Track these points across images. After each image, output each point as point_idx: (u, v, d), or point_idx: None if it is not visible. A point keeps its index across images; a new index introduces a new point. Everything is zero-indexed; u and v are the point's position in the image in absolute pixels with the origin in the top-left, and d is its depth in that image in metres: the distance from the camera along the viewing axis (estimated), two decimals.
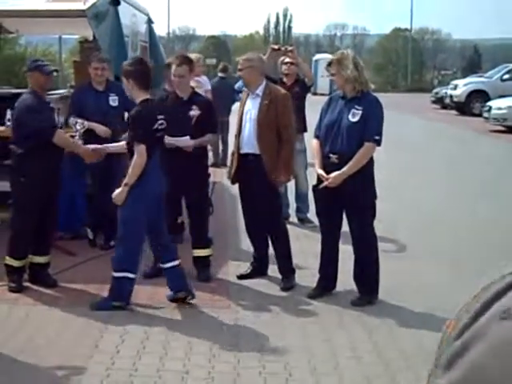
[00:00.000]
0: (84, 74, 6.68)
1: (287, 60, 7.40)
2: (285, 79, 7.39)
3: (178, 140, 5.70)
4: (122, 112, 6.76)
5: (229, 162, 6.25)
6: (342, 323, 4.98)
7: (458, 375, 0.49)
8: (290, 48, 7.24)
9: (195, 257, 5.95)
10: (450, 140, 16.93)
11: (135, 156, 5.04)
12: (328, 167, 5.20)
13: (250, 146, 5.67)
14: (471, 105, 24.85)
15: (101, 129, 6.51)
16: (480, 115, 21.43)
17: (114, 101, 6.67)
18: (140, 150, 5.03)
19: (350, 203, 5.20)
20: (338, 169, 5.13)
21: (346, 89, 5.22)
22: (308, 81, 7.51)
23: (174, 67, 5.79)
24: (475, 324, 0.50)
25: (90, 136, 6.50)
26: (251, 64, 5.68)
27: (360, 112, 5.11)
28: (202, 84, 6.98)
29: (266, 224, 5.80)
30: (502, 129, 19.33)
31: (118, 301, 5.13)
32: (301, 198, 7.93)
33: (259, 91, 5.70)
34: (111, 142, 6.45)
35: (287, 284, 5.70)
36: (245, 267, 6.04)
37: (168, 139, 5.66)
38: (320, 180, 5.30)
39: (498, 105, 19.71)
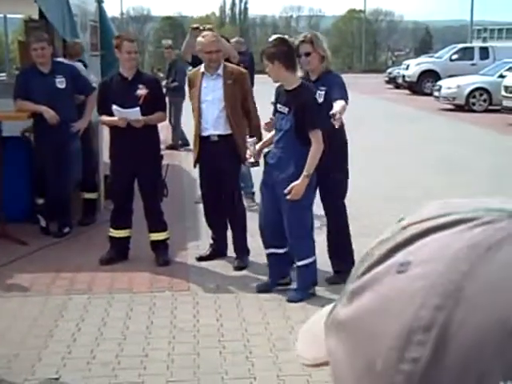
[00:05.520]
0: (30, 54, 6.38)
1: None
2: None
3: (128, 112, 5.54)
4: (72, 94, 6.56)
5: (192, 146, 6.19)
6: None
7: (345, 316, 0.49)
8: (208, 26, 7.32)
9: (152, 241, 5.85)
10: (403, 119, 17.09)
11: (316, 143, 4.73)
12: None
13: (218, 126, 5.57)
14: (422, 84, 25.23)
15: (50, 114, 6.27)
16: (431, 94, 21.76)
17: (60, 83, 6.38)
18: (319, 137, 4.75)
19: (324, 179, 5.14)
20: None
21: (318, 68, 5.14)
22: (232, 58, 7.55)
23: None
24: (374, 270, 0.49)
25: (38, 120, 6.32)
26: (221, 45, 5.63)
27: (323, 93, 5.07)
28: None
29: (227, 204, 5.73)
30: (452, 107, 19.64)
31: (305, 288, 4.98)
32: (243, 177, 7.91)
33: (220, 71, 5.61)
34: (61, 128, 6.27)
35: (240, 263, 5.67)
36: (204, 249, 5.98)
37: (118, 110, 5.51)
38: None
39: (447, 84, 20.09)
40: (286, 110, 4.84)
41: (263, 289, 5.12)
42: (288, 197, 4.75)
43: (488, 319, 0.43)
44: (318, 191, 5.27)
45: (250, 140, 5.20)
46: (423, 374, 0.44)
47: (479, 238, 0.46)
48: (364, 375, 0.46)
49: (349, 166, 5.35)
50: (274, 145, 5.00)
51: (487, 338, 0.43)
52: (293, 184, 4.74)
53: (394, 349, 0.45)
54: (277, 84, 5.07)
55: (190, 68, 7.81)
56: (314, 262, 5.00)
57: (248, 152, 5.16)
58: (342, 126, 5.22)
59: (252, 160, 5.16)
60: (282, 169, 4.85)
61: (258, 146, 5.15)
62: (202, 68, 5.73)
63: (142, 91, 5.59)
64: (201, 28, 7.00)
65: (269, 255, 5.15)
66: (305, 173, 4.75)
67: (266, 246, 5.14)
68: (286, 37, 5.48)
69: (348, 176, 5.32)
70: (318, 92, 5.08)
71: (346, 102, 5.07)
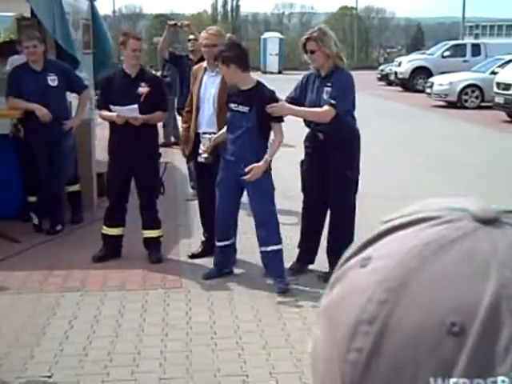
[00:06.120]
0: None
1: (191, 37, 7.58)
2: (191, 56, 7.49)
3: (125, 109, 5.52)
4: (64, 92, 6.56)
5: (182, 136, 6.15)
6: (293, 296, 5.00)
7: (323, 305, 0.51)
8: (186, 23, 7.37)
9: (146, 238, 5.85)
10: (395, 115, 17.11)
11: (277, 135, 5.05)
12: (315, 143, 5.26)
13: (211, 124, 5.57)
14: (415, 81, 25.25)
15: (42, 112, 6.27)
16: (423, 91, 21.80)
17: (52, 80, 6.39)
18: (281, 129, 5.07)
19: (333, 177, 5.21)
20: (325, 146, 5.18)
21: (324, 66, 5.16)
22: None
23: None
24: (347, 263, 0.51)
25: (31, 118, 6.31)
26: (223, 40, 5.61)
27: (330, 89, 5.11)
28: None
29: None
30: (444, 104, 19.67)
31: (283, 274, 5.14)
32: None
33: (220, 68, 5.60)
34: (54, 126, 6.27)
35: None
36: (196, 247, 5.98)
37: (115, 108, 5.51)
38: (306, 158, 5.36)
39: (439, 81, 20.10)
40: (245, 109, 5.02)
41: (209, 277, 5.35)
42: (246, 177, 4.93)
43: (426, 317, 0.44)
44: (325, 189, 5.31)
45: (205, 136, 5.27)
46: (366, 364, 0.45)
47: (436, 236, 0.47)
48: (329, 363, 0.48)
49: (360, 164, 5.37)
50: (231, 142, 5.11)
51: (423, 336, 0.44)
52: (253, 165, 4.94)
53: (345, 339, 0.47)
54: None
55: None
56: (282, 249, 5.20)
57: (201, 147, 5.25)
58: (349, 121, 5.26)
59: (206, 155, 5.23)
60: (245, 163, 5.02)
61: (212, 141, 5.23)
62: (205, 63, 5.72)
63: (143, 89, 5.60)
64: (178, 24, 7.01)
65: (220, 247, 5.33)
66: (267, 156, 4.98)
67: (220, 239, 5.31)
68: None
69: (359, 174, 5.34)
70: (326, 89, 5.11)
71: (334, 107, 5.06)
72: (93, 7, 8.01)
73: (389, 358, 0.44)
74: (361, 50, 59.58)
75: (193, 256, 5.86)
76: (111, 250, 5.82)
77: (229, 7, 67.59)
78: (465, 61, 24.00)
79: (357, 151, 5.33)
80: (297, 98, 5.32)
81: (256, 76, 7.95)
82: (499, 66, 18.55)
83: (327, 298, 0.51)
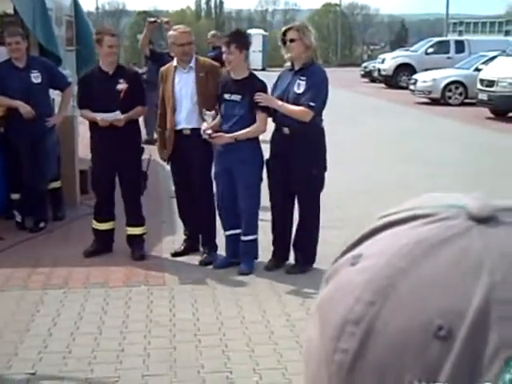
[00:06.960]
0: None
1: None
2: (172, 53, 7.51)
3: (109, 115, 5.52)
4: (47, 89, 6.54)
5: (159, 141, 6.11)
6: (276, 293, 5.03)
7: (317, 302, 0.50)
8: (165, 20, 7.39)
9: (129, 235, 5.85)
10: (378, 112, 17.15)
11: (259, 123, 5.23)
12: (280, 139, 5.29)
13: (191, 120, 5.57)
14: (398, 78, 25.34)
15: (26, 109, 6.24)
16: (407, 88, 21.91)
17: (36, 78, 6.36)
18: (264, 119, 5.26)
19: (298, 174, 5.23)
20: (290, 141, 5.20)
21: (301, 57, 5.20)
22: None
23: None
24: (340, 260, 0.49)
25: (14, 115, 6.28)
26: (193, 38, 5.71)
27: (304, 82, 5.16)
28: None
29: (200, 198, 5.73)
30: (427, 101, 19.78)
31: (252, 262, 5.46)
32: None
33: (192, 64, 5.63)
34: (37, 123, 6.24)
35: (207, 258, 5.66)
36: (179, 244, 5.99)
37: (98, 115, 5.50)
38: (272, 154, 5.40)
39: (423, 78, 20.20)
40: (238, 97, 5.27)
41: (220, 265, 5.52)
42: (209, 138, 5.19)
43: (412, 320, 0.43)
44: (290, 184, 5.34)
45: (208, 112, 5.39)
46: (351, 366, 0.44)
47: (427, 235, 0.45)
48: (319, 363, 0.47)
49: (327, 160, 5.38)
50: (226, 132, 5.27)
51: (409, 339, 0.42)
52: (220, 133, 5.20)
53: (332, 339, 0.46)
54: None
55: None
56: (257, 238, 5.50)
57: (205, 124, 5.34)
58: (316, 119, 5.25)
59: (209, 132, 5.30)
60: (239, 151, 5.23)
61: (212, 124, 5.35)
62: (174, 62, 5.73)
63: (122, 86, 5.60)
64: (158, 21, 7.02)
65: (228, 236, 5.53)
66: (233, 134, 5.19)
67: (226, 228, 5.52)
68: None
69: (325, 170, 5.35)
70: (298, 82, 5.15)
71: (312, 109, 5.10)
72: (76, 4, 7.98)
73: (374, 361, 0.43)
74: (344, 47, 59.72)
75: (175, 254, 5.85)
76: (102, 245, 5.83)
77: (212, 4, 67.57)
78: (448, 57, 24.10)
79: (322, 148, 5.33)
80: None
81: None
82: (483, 63, 18.65)
83: (319, 295, 0.50)
